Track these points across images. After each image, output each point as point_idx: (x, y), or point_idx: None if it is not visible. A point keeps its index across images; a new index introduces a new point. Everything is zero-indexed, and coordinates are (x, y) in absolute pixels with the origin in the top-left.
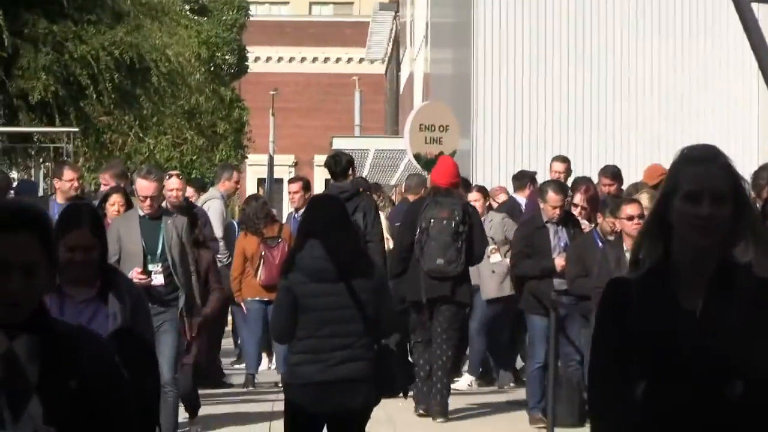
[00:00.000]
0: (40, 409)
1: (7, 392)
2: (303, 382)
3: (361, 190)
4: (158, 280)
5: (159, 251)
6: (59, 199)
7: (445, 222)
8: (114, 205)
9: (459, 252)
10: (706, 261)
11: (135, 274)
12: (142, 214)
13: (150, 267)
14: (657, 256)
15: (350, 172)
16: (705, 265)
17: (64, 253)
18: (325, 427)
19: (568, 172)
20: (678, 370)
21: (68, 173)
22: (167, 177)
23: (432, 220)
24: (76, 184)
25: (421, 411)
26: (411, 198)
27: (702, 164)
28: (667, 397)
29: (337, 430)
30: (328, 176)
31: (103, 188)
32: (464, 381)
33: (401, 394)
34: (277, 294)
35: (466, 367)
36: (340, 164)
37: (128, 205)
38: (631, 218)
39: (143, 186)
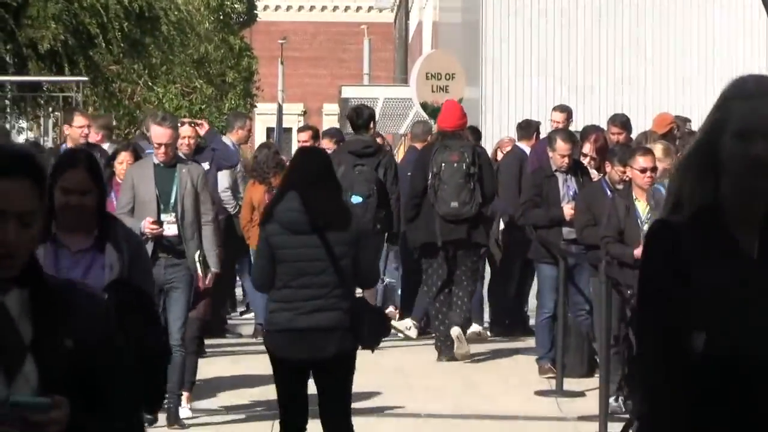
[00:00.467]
0: (35, 369)
1: (0, 351)
2: (278, 328)
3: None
4: (171, 230)
5: (172, 200)
6: (70, 145)
7: (456, 165)
8: (123, 163)
9: (472, 193)
10: (759, 202)
11: (147, 224)
12: (156, 162)
13: (163, 216)
14: (705, 197)
15: (371, 125)
16: (758, 206)
17: (60, 197)
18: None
19: (567, 122)
20: (743, 317)
21: (79, 119)
22: (180, 124)
23: (443, 164)
24: (86, 131)
25: (444, 359)
26: (418, 146)
27: (755, 99)
28: (732, 344)
29: (320, 378)
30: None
31: (84, 139)
32: (404, 323)
33: (371, 348)
34: (257, 244)
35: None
36: (362, 117)
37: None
38: (644, 170)
39: (158, 133)
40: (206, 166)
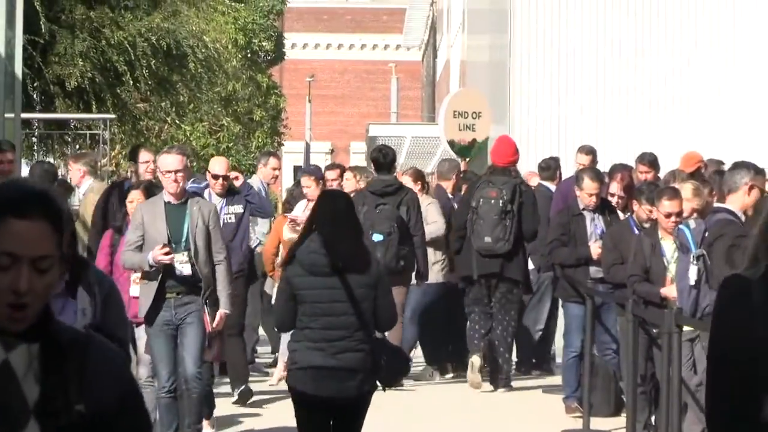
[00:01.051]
0: None
1: (0, 415)
2: (301, 366)
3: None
4: (185, 269)
5: (184, 238)
6: (136, 180)
7: (492, 201)
8: (133, 202)
9: (507, 230)
10: None
11: (157, 253)
12: (166, 199)
13: (175, 256)
14: None
15: (395, 165)
16: None
17: None
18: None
19: (593, 163)
20: None
21: (144, 155)
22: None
23: (481, 200)
24: (152, 166)
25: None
26: (444, 184)
27: None
28: None
29: (338, 417)
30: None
31: (76, 178)
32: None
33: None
34: (278, 284)
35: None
36: (388, 157)
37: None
38: (669, 215)
39: (168, 160)
40: (240, 208)
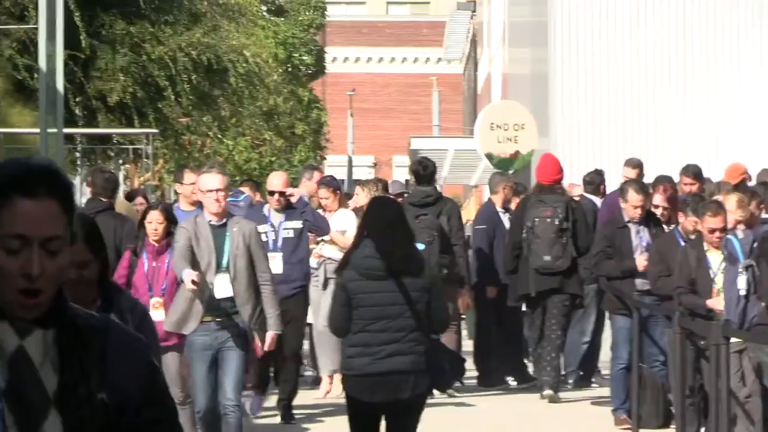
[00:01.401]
0: (60, 426)
1: (17, 405)
2: (355, 373)
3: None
4: (225, 291)
5: (225, 261)
6: (183, 205)
7: (548, 220)
8: (152, 222)
9: (564, 247)
10: None
11: (190, 279)
12: (208, 219)
13: (215, 278)
14: None
15: (435, 177)
16: None
17: None
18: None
19: (639, 176)
20: None
21: (189, 176)
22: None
23: (536, 219)
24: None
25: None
26: (493, 197)
27: None
28: None
29: (392, 419)
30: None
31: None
32: None
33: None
34: (333, 291)
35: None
36: (428, 169)
37: (168, 222)
38: (713, 231)
39: (208, 180)
40: (299, 224)
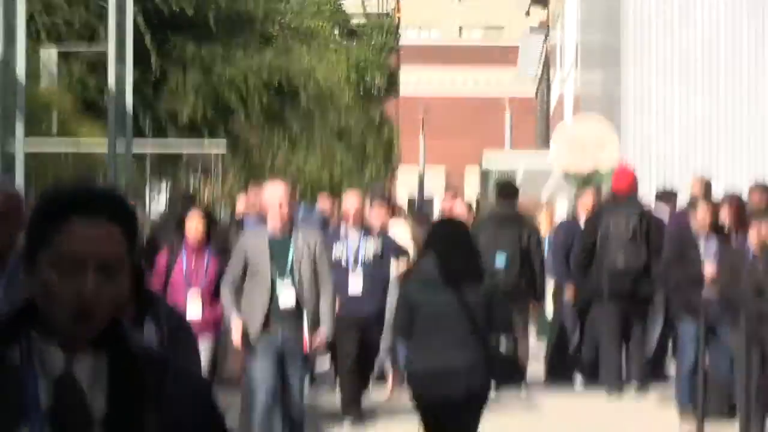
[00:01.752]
0: None
1: (60, 428)
2: (418, 373)
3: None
4: (289, 300)
5: (288, 270)
6: (251, 217)
7: (622, 223)
8: (192, 222)
9: (638, 249)
10: None
11: (236, 336)
12: (271, 232)
13: (280, 284)
14: None
15: (516, 197)
16: None
17: None
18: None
19: (708, 192)
20: None
21: (255, 190)
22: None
23: (611, 223)
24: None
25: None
26: (578, 209)
27: None
28: None
29: (454, 415)
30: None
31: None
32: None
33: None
34: (397, 298)
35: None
36: (512, 188)
37: (208, 222)
38: None
39: (273, 192)
40: (378, 243)
